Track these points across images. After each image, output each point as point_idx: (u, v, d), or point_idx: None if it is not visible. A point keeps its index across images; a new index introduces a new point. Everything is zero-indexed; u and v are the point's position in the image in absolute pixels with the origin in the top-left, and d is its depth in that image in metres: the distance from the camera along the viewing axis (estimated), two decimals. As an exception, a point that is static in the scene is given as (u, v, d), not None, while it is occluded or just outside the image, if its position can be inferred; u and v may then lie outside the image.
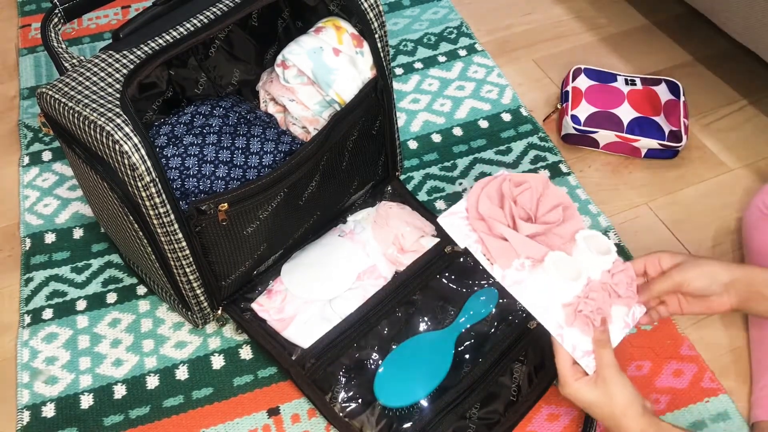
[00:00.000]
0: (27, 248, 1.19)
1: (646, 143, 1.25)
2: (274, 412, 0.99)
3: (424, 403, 0.95)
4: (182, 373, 1.03)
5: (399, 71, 1.46)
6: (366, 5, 0.99)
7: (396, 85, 1.42)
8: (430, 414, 0.93)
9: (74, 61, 0.90)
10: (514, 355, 0.99)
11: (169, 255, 0.93)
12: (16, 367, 1.04)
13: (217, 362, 1.04)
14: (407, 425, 0.93)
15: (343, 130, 1.01)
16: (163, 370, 1.03)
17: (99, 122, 0.82)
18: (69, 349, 1.06)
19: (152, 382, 1.02)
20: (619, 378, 0.81)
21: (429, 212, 1.16)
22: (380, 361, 0.98)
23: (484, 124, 1.35)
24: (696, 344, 1.03)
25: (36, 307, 1.11)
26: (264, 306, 1.05)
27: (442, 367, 0.97)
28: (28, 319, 1.10)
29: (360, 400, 0.96)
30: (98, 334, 1.08)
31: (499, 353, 0.98)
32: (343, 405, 0.95)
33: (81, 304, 1.11)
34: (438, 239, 1.11)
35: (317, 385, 0.97)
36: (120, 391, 1.01)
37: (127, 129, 0.82)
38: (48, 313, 1.10)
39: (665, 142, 1.25)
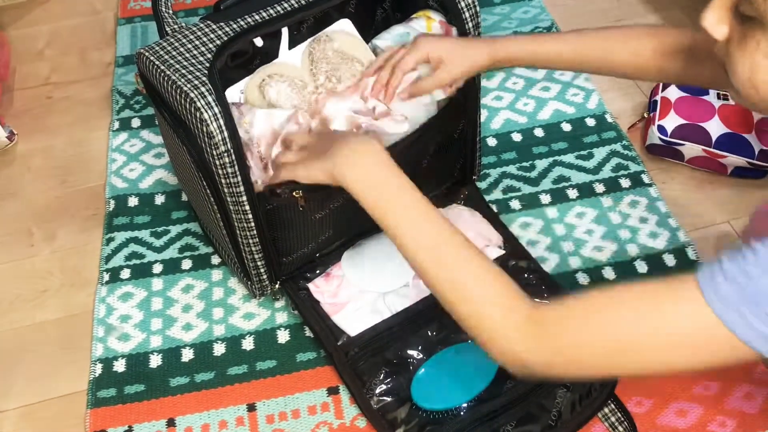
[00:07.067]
0: (111, 209, 1.23)
1: (733, 161, 1.22)
2: (333, 391, 1.00)
3: (460, 411, 0.93)
4: (248, 344, 1.05)
5: (484, 67, 1.45)
6: (463, 4, 0.99)
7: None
8: (463, 422, 0.91)
9: (175, 26, 0.93)
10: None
11: (236, 224, 0.95)
12: (92, 321, 1.09)
13: (283, 337, 1.06)
14: (439, 429, 0.92)
15: (427, 137, 1.01)
16: (230, 338, 1.06)
17: (185, 88, 0.85)
18: (143, 310, 1.10)
19: (219, 349, 1.05)
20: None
21: (500, 223, 1.13)
22: (423, 362, 0.97)
23: (566, 127, 1.34)
24: (770, 370, 1.00)
25: (115, 266, 1.15)
26: (320, 288, 1.06)
27: (484, 377, 0.95)
28: (106, 277, 1.14)
29: (396, 397, 0.95)
30: (171, 298, 1.11)
31: None
32: (379, 398, 0.94)
33: (157, 268, 1.15)
34: (503, 251, 1.09)
35: (357, 374, 0.97)
36: (188, 355, 1.04)
37: (210, 98, 0.84)
38: (125, 273, 1.14)
39: (754, 161, 1.20)
